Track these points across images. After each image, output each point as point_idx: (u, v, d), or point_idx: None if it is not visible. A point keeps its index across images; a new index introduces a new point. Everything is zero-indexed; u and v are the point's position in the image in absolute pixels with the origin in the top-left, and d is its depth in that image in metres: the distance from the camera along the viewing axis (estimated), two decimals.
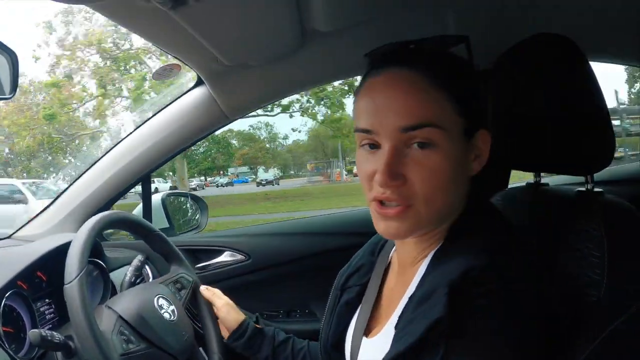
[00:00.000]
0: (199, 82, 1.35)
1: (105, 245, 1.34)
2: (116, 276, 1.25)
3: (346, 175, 22.80)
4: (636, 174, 1.99)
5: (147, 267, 1.36)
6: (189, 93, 1.38)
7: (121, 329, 0.92)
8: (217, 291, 1.14)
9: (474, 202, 0.71)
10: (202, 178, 24.69)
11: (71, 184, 1.45)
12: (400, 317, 0.65)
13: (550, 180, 0.92)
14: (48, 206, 1.46)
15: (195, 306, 1.16)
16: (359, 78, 0.76)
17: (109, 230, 1.62)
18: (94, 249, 0.97)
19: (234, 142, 25.03)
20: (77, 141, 14.81)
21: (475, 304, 0.57)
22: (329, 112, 14.51)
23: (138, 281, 1.22)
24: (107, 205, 1.46)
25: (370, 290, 0.81)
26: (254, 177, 26.03)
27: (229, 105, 1.37)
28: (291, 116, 15.15)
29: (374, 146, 0.66)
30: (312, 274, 1.50)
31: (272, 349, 1.01)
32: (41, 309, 1.06)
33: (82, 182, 1.43)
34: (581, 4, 1.20)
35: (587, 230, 0.67)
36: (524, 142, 0.80)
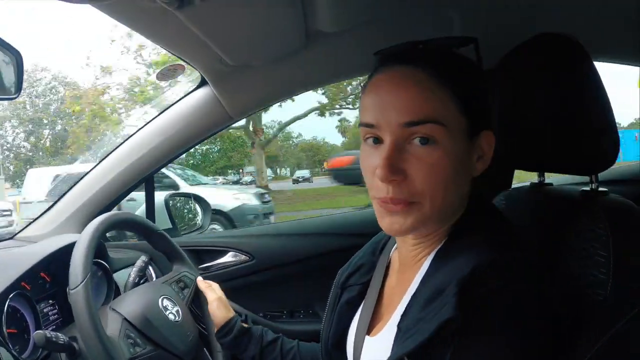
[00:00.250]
0: (202, 83, 1.35)
1: (109, 246, 1.34)
2: (120, 277, 1.25)
3: None
4: None
5: (150, 267, 1.36)
6: (192, 93, 1.38)
7: (127, 332, 0.92)
8: (214, 285, 1.14)
9: (476, 202, 0.71)
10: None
11: (74, 185, 1.45)
12: (403, 315, 0.65)
13: (555, 181, 0.91)
14: (51, 207, 1.45)
15: (197, 305, 1.15)
16: None
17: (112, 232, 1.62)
18: (98, 250, 0.97)
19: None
20: None
21: (482, 302, 0.57)
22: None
23: (142, 282, 1.22)
24: (111, 206, 1.45)
25: (372, 289, 0.81)
26: (274, 175, 25.88)
27: (233, 105, 1.37)
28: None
29: (377, 141, 0.66)
30: (316, 274, 1.49)
31: (259, 349, 1.01)
32: (45, 310, 1.06)
33: (86, 182, 1.43)
34: (583, 3, 1.20)
35: (592, 230, 0.67)
36: (527, 142, 0.80)
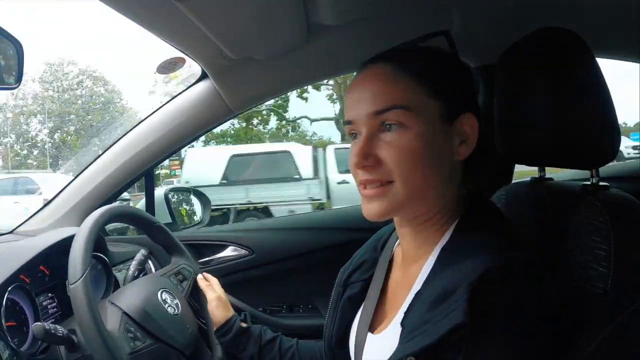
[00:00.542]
0: (203, 76, 1.35)
1: (109, 240, 1.34)
2: (119, 270, 1.24)
3: None
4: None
5: (150, 261, 1.36)
6: (193, 87, 1.38)
7: (127, 326, 0.92)
8: (215, 281, 1.14)
9: (476, 201, 0.72)
10: None
11: (74, 178, 1.45)
12: (406, 313, 0.65)
13: (555, 177, 0.91)
14: (51, 200, 1.45)
15: (196, 298, 1.16)
16: None
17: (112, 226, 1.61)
18: (97, 243, 0.96)
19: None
20: None
21: (489, 307, 0.57)
22: None
23: (141, 275, 1.22)
24: (110, 199, 1.45)
25: (374, 285, 0.81)
26: None
27: (233, 99, 1.37)
28: None
29: (356, 135, 0.71)
30: (316, 269, 1.49)
31: (258, 348, 1.01)
32: (44, 303, 1.06)
33: (85, 176, 1.43)
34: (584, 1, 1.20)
35: (592, 224, 0.67)
36: (528, 136, 0.80)
